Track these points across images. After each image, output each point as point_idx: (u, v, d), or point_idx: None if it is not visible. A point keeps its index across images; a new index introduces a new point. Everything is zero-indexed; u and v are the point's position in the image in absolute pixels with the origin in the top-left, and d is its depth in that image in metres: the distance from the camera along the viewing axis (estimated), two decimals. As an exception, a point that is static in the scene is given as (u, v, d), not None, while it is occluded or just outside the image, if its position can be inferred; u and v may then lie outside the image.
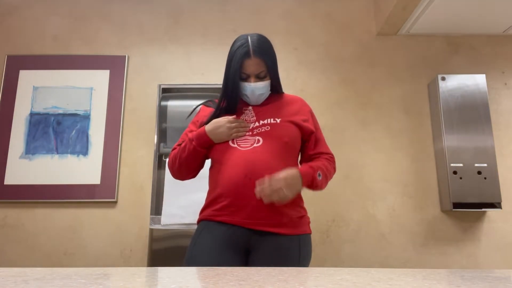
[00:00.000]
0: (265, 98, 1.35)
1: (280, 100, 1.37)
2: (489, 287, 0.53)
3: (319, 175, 1.23)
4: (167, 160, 2.28)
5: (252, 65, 1.26)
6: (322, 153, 1.34)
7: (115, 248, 2.31)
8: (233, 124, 1.24)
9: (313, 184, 1.22)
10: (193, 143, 1.26)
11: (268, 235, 1.18)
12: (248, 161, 1.19)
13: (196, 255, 1.19)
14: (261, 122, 1.28)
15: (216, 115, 1.31)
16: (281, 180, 1.13)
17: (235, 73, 1.27)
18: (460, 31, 2.59)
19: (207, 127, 1.25)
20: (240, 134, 1.24)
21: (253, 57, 1.26)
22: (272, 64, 1.31)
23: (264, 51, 1.28)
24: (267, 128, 1.25)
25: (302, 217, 1.26)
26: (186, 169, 1.32)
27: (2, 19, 2.66)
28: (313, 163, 1.26)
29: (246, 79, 1.29)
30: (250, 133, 1.26)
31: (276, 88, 1.39)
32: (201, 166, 1.36)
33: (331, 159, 1.35)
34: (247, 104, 1.34)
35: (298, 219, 1.24)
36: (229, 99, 1.31)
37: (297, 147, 1.31)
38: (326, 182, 1.30)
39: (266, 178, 1.13)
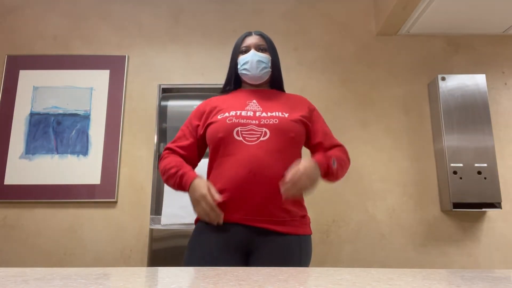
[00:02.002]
0: (265, 75, 1.35)
1: (284, 97, 1.37)
2: (489, 287, 0.53)
3: (334, 162, 1.23)
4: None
5: (252, 39, 1.38)
6: (333, 145, 1.34)
7: (115, 248, 2.31)
8: (209, 210, 1.14)
9: (328, 173, 1.21)
10: (176, 182, 1.22)
11: (269, 235, 1.17)
12: (253, 157, 1.17)
13: (195, 259, 1.19)
14: (269, 114, 1.26)
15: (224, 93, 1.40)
16: (301, 171, 1.11)
17: (236, 49, 1.38)
18: (460, 31, 2.59)
19: (191, 190, 1.17)
20: (210, 220, 1.16)
21: (254, 34, 1.39)
22: (272, 47, 1.38)
23: (265, 34, 1.40)
24: (275, 121, 1.23)
25: (304, 217, 1.25)
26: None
27: (2, 19, 2.66)
28: (327, 153, 1.27)
29: (246, 52, 1.36)
30: (257, 121, 1.23)
31: (279, 85, 1.41)
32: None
33: (343, 150, 1.35)
34: (251, 97, 1.33)
35: (301, 218, 1.23)
36: (229, 75, 1.39)
37: (301, 144, 1.31)
38: (342, 172, 1.29)
39: (287, 175, 1.11)
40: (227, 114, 1.26)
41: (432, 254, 2.32)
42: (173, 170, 1.23)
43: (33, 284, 0.53)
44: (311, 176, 1.13)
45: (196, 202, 1.16)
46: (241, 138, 1.20)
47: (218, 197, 1.14)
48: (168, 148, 1.33)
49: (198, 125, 1.33)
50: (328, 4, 2.70)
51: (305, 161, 1.15)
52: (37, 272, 0.63)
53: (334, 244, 2.33)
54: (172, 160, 1.27)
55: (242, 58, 1.35)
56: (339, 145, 1.36)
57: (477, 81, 2.40)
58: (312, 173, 1.14)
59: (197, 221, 1.28)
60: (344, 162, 1.30)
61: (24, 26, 2.65)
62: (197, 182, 1.17)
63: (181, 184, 1.21)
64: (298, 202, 1.24)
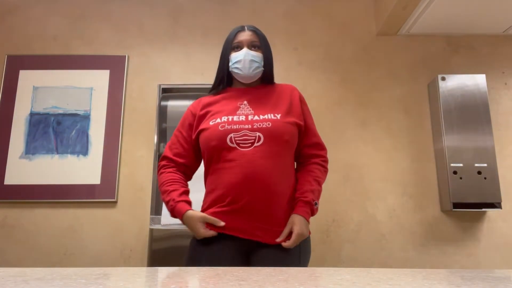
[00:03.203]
0: (257, 74, 1.32)
1: (274, 93, 1.34)
2: (489, 287, 0.53)
3: (316, 203, 1.25)
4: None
5: (245, 35, 1.33)
6: (315, 144, 1.33)
7: (115, 248, 2.31)
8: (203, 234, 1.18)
9: (313, 215, 1.26)
10: (169, 209, 1.23)
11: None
12: (248, 163, 1.16)
13: (196, 256, 1.19)
14: (262, 116, 1.23)
15: (214, 92, 1.37)
16: (299, 235, 1.17)
17: (227, 45, 1.34)
18: (460, 31, 2.59)
19: (186, 223, 1.19)
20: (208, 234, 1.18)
21: (247, 30, 1.35)
22: (265, 44, 1.35)
23: (257, 29, 1.37)
24: (268, 124, 1.21)
25: None
26: None
27: (3, 18, 2.66)
28: (308, 188, 1.25)
29: (239, 48, 1.32)
30: (250, 126, 1.21)
31: (269, 79, 1.38)
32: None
33: (323, 161, 1.34)
34: (242, 98, 1.30)
35: None
36: (220, 73, 1.36)
37: (295, 144, 1.30)
38: (320, 192, 1.31)
39: (291, 242, 1.16)
40: (218, 120, 1.24)
41: (432, 254, 2.32)
42: (166, 198, 1.24)
43: (33, 284, 0.53)
44: (305, 231, 1.19)
45: (194, 231, 1.19)
46: (235, 145, 1.19)
47: (219, 224, 1.16)
48: (165, 158, 1.33)
49: (191, 129, 1.31)
50: (328, 4, 2.70)
51: (298, 221, 1.19)
52: (37, 272, 0.63)
53: (334, 244, 2.33)
54: (166, 181, 1.27)
55: (234, 56, 1.31)
56: (319, 155, 1.34)
57: (477, 81, 2.40)
58: (305, 229, 1.20)
59: None
60: (322, 182, 1.31)
61: (24, 26, 2.65)
62: (189, 216, 1.19)
63: (174, 216, 1.23)
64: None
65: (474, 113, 2.36)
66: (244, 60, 1.29)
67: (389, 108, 2.52)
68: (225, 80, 1.36)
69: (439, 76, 2.42)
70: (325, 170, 1.34)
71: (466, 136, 2.33)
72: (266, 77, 1.36)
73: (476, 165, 2.28)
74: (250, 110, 1.26)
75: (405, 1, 2.22)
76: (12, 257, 2.29)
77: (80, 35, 2.64)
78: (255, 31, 1.35)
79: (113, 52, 2.60)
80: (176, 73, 2.57)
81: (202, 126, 1.27)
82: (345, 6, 2.69)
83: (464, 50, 2.61)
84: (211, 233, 1.16)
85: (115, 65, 2.56)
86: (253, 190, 1.15)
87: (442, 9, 2.29)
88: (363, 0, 2.70)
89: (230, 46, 1.33)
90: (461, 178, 2.26)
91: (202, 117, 1.29)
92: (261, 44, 1.33)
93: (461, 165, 2.28)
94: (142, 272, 0.67)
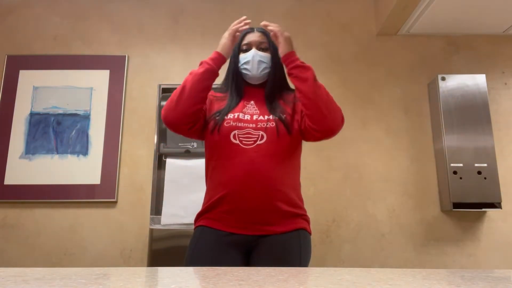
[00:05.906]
0: (265, 75, 1.31)
1: (283, 98, 1.34)
2: (489, 287, 0.53)
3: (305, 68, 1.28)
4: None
5: (254, 36, 1.35)
6: None
7: (115, 248, 2.31)
8: (233, 27, 1.31)
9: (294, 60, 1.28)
10: (207, 61, 1.30)
11: (268, 235, 1.18)
12: (249, 160, 1.17)
13: (197, 255, 1.19)
14: (266, 117, 1.24)
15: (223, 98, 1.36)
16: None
17: (236, 46, 1.35)
18: (460, 31, 2.59)
19: (220, 43, 1.32)
20: (241, 26, 1.29)
21: (256, 31, 1.36)
22: (274, 45, 1.34)
23: (267, 31, 1.36)
24: (272, 124, 1.22)
25: (303, 216, 1.26)
26: (194, 94, 1.22)
27: (2, 19, 2.66)
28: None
29: (248, 50, 1.32)
30: (254, 125, 1.22)
31: (280, 83, 1.37)
32: (203, 101, 1.26)
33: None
34: (249, 98, 1.31)
35: (299, 216, 1.24)
36: (229, 72, 1.36)
37: (299, 146, 1.30)
38: (315, 86, 1.25)
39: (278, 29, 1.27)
40: (225, 116, 1.25)
41: (432, 254, 2.32)
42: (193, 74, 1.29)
43: (33, 284, 0.53)
44: (288, 37, 1.29)
45: (223, 39, 1.32)
46: (238, 142, 1.20)
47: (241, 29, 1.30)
48: None
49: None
50: (328, 4, 2.70)
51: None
52: (37, 272, 0.63)
53: (334, 244, 2.33)
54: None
55: (242, 57, 1.32)
56: None
57: (477, 81, 2.40)
58: (289, 39, 1.30)
59: (196, 221, 1.28)
60: (329, 96, 1.30)
61: (24, 26, 2.64)
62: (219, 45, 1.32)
63: (210, 59, 1.30)
64: (296, 204, 1.24)
65: (474, 113, 2.36)
66: (252, 61, 1.30)
67: (389, 108, 2.52)
68: (234, 80, 1.36)
69: (439, 76, 2.42)
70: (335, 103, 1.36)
71: (466, 136, 2.33)
72: (277, 79, 1.36)
73: (476, 165, 2.28)
74: (256, 110, 1.27)
75: (405, 1, 2.22)
76: (12, 257, 2.29)
77: (80, 35, 2.64)
78: (264, 32, 1.36)
79: (113, 52, 2.60)
80: (176, 73, 2.57)
81: (208, 118, 1.28)
82: (345, 6, 2.69)
83: (464, 50, 2.61)
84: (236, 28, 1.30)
85: (115, 65, 2.56)
86: (253, 187, 1.16)
87: (442, 9, 2.29)
88: (363, 0, 2.70)
89: (239, 47, 1.34)
90: (461, 178, 2.26)
91: (210, 109, 1.30)
92: (269, 45, 1.34)
93: (461, 165, 2.28)
94: (142, 272, 0.67)
